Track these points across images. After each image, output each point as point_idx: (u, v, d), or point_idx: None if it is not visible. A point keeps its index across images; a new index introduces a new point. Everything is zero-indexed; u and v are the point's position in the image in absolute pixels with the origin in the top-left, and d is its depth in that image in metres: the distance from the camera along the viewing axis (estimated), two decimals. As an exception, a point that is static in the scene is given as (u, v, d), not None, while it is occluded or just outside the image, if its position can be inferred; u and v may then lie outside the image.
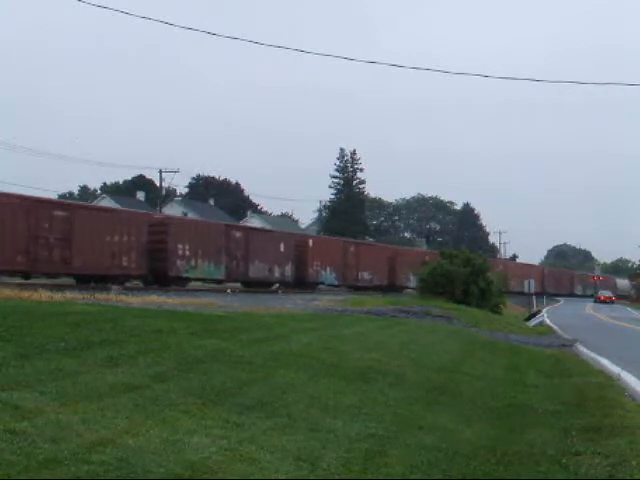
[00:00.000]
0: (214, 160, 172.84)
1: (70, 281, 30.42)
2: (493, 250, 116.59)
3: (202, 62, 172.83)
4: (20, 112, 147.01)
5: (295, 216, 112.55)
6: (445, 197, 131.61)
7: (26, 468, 4.85)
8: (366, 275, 51.22)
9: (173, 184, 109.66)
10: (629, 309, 64.03)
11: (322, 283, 47.34)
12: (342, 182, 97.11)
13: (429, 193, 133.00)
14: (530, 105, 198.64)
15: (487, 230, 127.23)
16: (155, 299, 20.48)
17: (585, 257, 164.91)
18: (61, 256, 29.27)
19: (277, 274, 42.39)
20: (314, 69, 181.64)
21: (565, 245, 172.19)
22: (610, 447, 7.59)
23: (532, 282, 57.64)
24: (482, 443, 7.55)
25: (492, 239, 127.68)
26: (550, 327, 32.25)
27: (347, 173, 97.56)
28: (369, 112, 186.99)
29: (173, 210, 75.94)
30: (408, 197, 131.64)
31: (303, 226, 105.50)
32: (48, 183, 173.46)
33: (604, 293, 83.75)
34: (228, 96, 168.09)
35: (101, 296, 19.66)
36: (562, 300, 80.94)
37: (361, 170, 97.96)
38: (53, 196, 68.94)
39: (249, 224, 73.45)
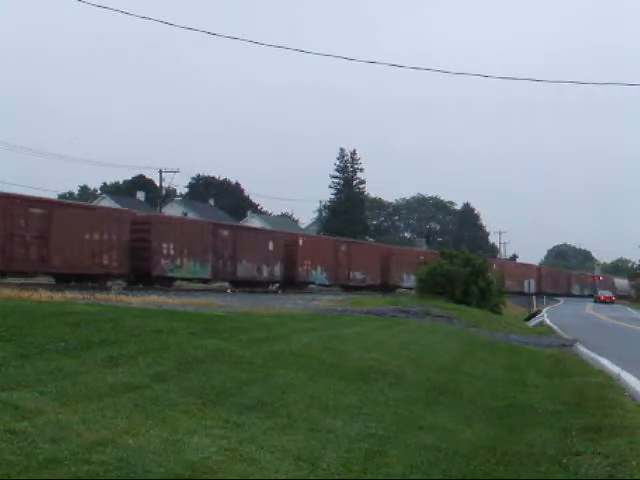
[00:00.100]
0: (214, 160, 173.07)
1: (48, 280, 29.80)
2: (493, 250, 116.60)
3: (202, 62, 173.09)
4: (20, 112, 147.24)
5: (295, 216, 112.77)
6: (445, 197, 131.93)
7: (26, 468, 4.85)
8: (358, 275, 50.67)
9: (173, 184, 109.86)
10: (629, 309, 64.04)
11: (312, 283, 46.70)
12: (342, 182, 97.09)
13: (429, 193, 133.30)
14: (530, 105, 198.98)
15: (487, 230, 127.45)
16: (155, 299, 20.50)
17: (585, 257, 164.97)
18: (38, 254, 28.60)
19: (266, 273, 41.81)
20: (314, 69, 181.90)
21: (565, 245, 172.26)
22: (610, 447, 7.59)
23: (532, 282, 57.61)
24: (482, 443, 7.55)
25: (492, 239, 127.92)
26: (550, 327, 32.25)
27: (347, 173, 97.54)
28: (369, 112, 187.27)
29: (173, 210, 75.95)
30: (408, 197, 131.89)
31: (303, 226, 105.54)
32: (48, 183, 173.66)
33: (604, 293, 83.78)
34: (228, 96, 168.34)
35: (101, 296, 19.67)
36: (562, 300, 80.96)
37: (361, 170, 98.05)
38: (53, 196, 69.00)
39: (249, 224, 73.47)
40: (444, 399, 9.86)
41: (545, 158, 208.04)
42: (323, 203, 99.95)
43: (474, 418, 8.92)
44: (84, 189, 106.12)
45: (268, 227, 66.77)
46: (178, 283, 36.62)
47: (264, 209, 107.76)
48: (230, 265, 39.09)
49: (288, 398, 8.18)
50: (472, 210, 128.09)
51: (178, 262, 35.49)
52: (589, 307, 63.43)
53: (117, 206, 58.47)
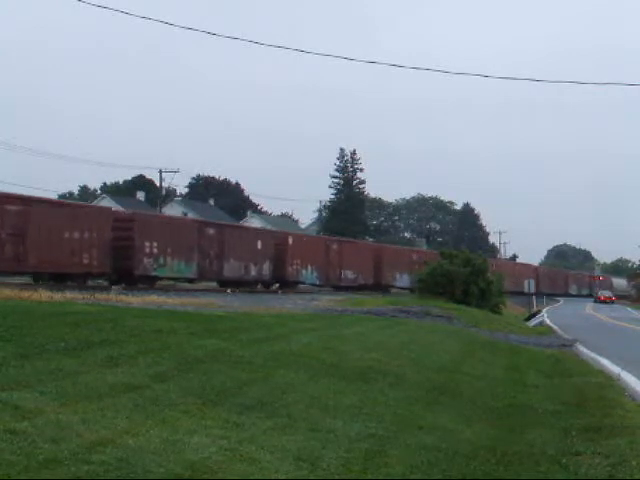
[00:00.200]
0: (214, 160, 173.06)
1: (26, 280, 29.01)
2: (493, 250, 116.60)
3: (202, 62, 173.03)
4: (20, 112, 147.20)
5: (295, 216, 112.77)
6: (445, 197, 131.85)
7: (26, 468, 4.86)
8: (350, 274, 49.75)
9: (173, 184, 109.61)
10: (629, 309, 64.03)
11: (302, 282, 45.71)
12: (342, 182, 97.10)
13: (429, 193, 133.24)
14: (530, 105, 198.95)
15: (487, 230, 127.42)
16: (155, 299, 20.52)
17: (585, 257, 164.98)
18: (14, 253, 27.52)
19: (254, 273, 40.79)
20: (314, 69, 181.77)
21: (565, 245, 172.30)
22: (610, 447, 7.59)
23: (532, 282, 57.58)
24: (482, 443, 7.55)
25: (492, 239, 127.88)
26: (550, 327, 32.26)
27: (347, 173, 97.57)
28: (369, 112, 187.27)
29: (173, 210, 76.00)
30: (408, 197, 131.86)
31: (303, 226, 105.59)
32: (48, 183, 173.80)
33: (604, 293, 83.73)
34: (228, 96, 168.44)
35: (101, 296, 19.69)
36: (562, 300, 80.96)
37: (361, 170, 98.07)
38: (53, 196, 68.97)
39: (249, 224, 73.46)
40: (444, 399, 9.86)
41: (545, 158, 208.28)
42: (323, 203, 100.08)
43: (474, 418, 8.92)
44: (84, 189, 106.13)
45: (268, 227, 66.78)
46: (164, 283, 35.57)
47: (264, 209, 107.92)
48: (216, 264, 38.11)
49: (288, 398, 8.18)
50: (472, 210, 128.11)
51: (162, 261, 34.56)
52: (589, 307, 63.44)
53: (117, 206, 58.48)
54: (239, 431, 6.55)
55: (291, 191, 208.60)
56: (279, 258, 42.90)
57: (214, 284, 39.78)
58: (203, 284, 39.22)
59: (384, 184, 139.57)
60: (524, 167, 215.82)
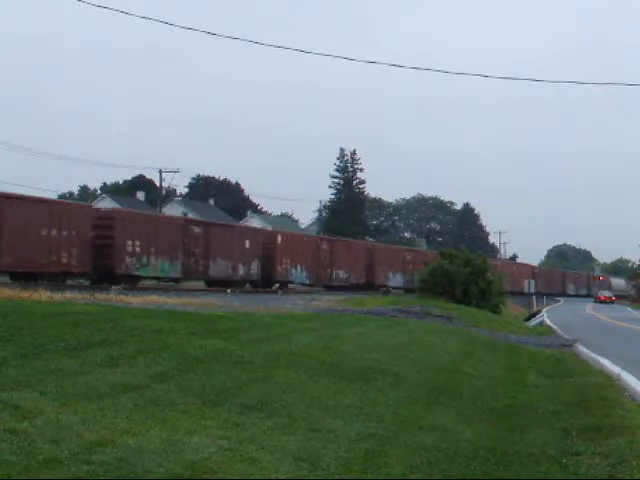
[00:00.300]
0: (214, 160, 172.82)
1: (3, 279, 27.95)
2: (493, 250, 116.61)
3: (202, 62, 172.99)
4: (20, 112, 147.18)
5: (295, 216, 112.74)
6: (445, 197, 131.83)
7: (26, 468, 4.86)
8: (341, 274, 49.00)
9: (173, 184, 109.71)
10: (629, 309, 64.05)
11: (292, 282, 44.82)
12: (342, 182, 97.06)
13: (429, 193, 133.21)
14: (530, 105, 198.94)
15: (487, 230, 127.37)
16: (155, 299, 20.54)
17: (585, 257, 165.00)
18: None
19: (242, 272, 40.06)
20: (314, 69, 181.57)
21: (565, 245, 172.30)
22: (610, 447, 7.59)
23: (532, 282, 57.54)
24: (482, 443, 7.55)
25: (492, 239, 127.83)
26: (550, 327, 32.26)
27: (347, 173, 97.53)
28: (369, 112, 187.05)
29: (173, 210, 75.98)
30: (408, 197, 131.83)
31: (303, 226, 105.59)
32: (48, 183, 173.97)
33: (604, 293, 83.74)
34: (228, 96, 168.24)
35: (101, 296, 19.70)
36: (562, 300, 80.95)
37: (361, 170, 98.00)
38: (53, 196, 68.92)
39: (249, 224, 73.44)
40: (444, 399, 9.87)
41: (545, 158, 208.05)
42: (323, 203, 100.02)
43: (474, 418, 8.92)
44: (84, 189, 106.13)
45: (268, 227, 66.72)
46: (147, 282, 34.73)
47: (264, 209, 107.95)
48: (202, 264, 37.21)
49: (288, 398, 8.18)
50: (472, 210, 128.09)
51: (145, 260, 33.60)
52: (589, 307, 63.44)
53: (117, 206, 58.47)
54: (239, 431, 6.56)
55: (291, 191, 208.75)
56: (268, 257, 42.17)
57: (201, 283, 39.00)
58: (191, 283, 38.48)
59: (384, 184, 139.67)
60: (524, 167, 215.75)
